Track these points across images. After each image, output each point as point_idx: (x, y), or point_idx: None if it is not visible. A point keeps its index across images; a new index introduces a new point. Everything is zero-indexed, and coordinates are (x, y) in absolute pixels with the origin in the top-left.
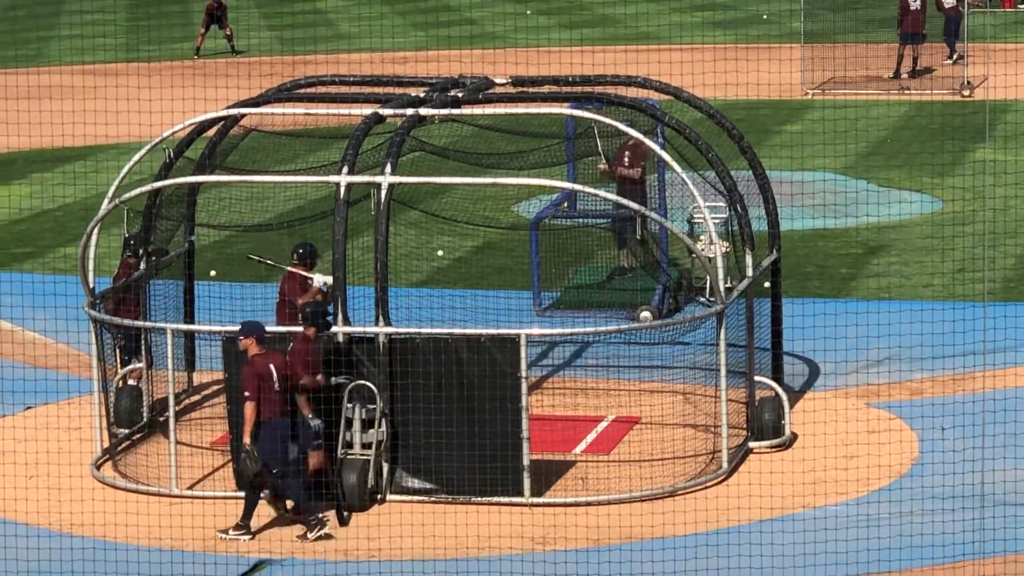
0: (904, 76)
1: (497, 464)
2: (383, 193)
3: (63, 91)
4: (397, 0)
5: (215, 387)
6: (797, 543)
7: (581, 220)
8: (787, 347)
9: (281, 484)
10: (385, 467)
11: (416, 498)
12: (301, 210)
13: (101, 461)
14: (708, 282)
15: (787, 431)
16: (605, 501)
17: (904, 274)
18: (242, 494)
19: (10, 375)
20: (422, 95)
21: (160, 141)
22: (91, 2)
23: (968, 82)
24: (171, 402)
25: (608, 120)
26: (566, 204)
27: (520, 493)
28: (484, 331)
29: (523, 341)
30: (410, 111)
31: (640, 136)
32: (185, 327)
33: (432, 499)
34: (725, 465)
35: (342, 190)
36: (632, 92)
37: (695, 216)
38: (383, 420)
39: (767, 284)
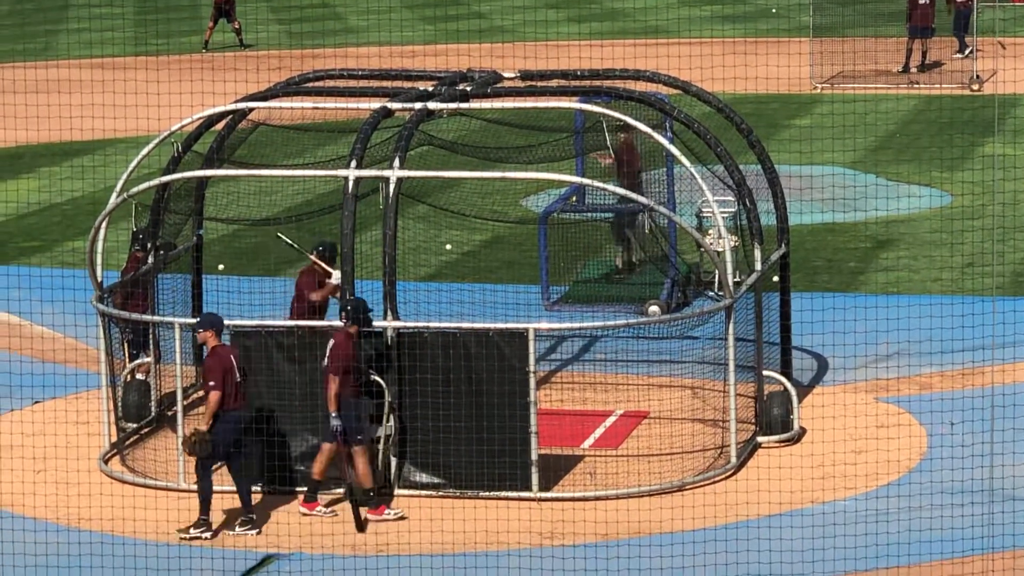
0: (913, 70)
1: (505, 459)
2: (391, 187)
3: (71, 85)
4: None
5: None
6: (806, 538)
7: (590, 214)
8: (796, 341)
9: (233, 473)
10: (393, 461)
11: (424, 492)
12: (309, 204)
13: (109, 455)
14: (717, 276)
15: (796, 426)
16: (613, 496)
17: (913, 268)
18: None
19: (18, 369)
20: (430, 89)
21: (168, 135)
22: None
23: (977, 76)
24: (179, 396)
25: (617, 114)
26: (575, 198)
27: (528, 488)
28: (492, 325)
29: (531, 335)
30: (418, 105)
31: (648, 130)
32: (193, 321)
33: (440, 493)
34: (733, 460)
35: (350, 184)
36: (641, 86)
37: (704, 210)
38: (391, 414)
39: (776, 278)
